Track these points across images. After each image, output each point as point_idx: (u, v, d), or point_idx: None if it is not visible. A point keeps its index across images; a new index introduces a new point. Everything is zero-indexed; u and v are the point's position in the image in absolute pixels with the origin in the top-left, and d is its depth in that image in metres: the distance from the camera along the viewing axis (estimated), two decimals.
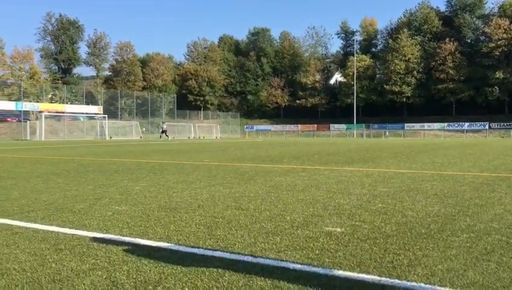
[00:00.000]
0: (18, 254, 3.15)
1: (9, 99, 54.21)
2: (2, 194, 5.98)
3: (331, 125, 66.79)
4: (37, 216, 4.50)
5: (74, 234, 3.72)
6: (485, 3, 73.87)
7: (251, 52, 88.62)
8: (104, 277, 2.68)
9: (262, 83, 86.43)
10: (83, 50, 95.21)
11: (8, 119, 56.52)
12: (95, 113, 54.23)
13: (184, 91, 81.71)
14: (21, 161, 12.60)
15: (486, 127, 57.33)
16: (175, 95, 74.62)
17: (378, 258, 3.05)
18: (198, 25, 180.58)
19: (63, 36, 79.34)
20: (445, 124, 59.91)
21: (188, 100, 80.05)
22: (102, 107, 55.96)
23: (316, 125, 68.56)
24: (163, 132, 47.33)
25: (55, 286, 2.53)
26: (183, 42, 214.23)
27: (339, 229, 3.88)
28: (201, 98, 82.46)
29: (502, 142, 32.79)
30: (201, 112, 78.95)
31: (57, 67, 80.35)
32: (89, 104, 57.66)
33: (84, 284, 2.56)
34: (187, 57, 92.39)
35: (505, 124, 57.00)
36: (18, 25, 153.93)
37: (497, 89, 64.96)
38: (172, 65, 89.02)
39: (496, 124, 57.53)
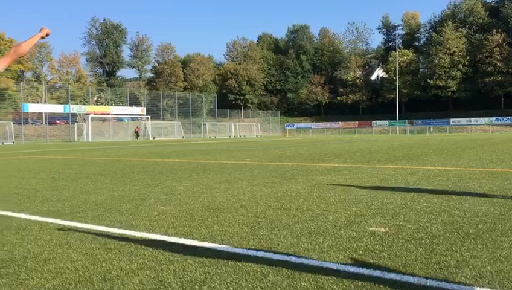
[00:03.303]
0: (70, 253, 3.29)
1: (58, 102, 56.58)
2: (54, 195, 6.24)
3: (373, 122, 65.62)
4: (87, 216, 4.68)
5: (122, 234, 3.85)
6: None
7: (290, 49, 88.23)
8: (152, 276, 2.76)
9: (302, 80, 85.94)
10: (126, 53, 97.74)
11: (57, 121, 59.07)
12: (139, 114, 55.61)
13: (224, 90, 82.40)
14: (70, 162, 13.09)
15: None
16: (215, 95, 75.37)
17: (424, 259, 3.00)
18: (237, 24, 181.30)
19: (107, 40, 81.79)
20: (493, 118, 57.67)
21: (228, 99, 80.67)
22: (145, 108, 57.28)
23: (357, 122, 67.55)
24: (136, 132, 51.83)
25: (106, 285, 2.63)
26: (222, 42, 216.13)
27: (382, 229, 3.84)
28: (242, 97, 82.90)
29: None
30: (242, 110, 79.41)
31: (101, 70, 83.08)
32: (132, 106, 59.17)
33: (133, 283, 2.65)
34: (227, 56, 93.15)
35: None
36: (64, 30, 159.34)
37: None
38: (212, 65, 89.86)
39: None
